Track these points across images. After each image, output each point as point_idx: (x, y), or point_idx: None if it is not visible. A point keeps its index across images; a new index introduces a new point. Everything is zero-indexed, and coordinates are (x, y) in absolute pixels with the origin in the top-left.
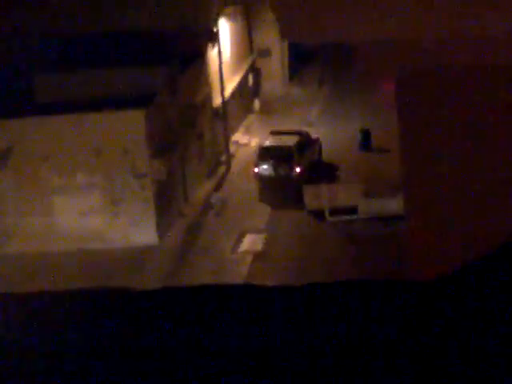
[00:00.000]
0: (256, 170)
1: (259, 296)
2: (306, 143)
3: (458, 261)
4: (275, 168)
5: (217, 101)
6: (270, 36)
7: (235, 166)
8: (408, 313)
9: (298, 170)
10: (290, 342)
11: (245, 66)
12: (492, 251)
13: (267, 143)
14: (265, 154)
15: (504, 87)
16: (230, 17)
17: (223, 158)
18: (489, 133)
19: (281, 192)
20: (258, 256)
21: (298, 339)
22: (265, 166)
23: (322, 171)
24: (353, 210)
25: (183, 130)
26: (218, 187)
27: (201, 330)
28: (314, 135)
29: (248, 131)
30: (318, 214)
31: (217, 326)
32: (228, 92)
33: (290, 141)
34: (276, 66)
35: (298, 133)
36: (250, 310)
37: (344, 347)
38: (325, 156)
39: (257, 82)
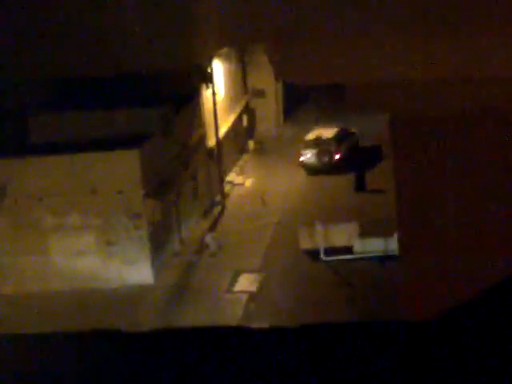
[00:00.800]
0: (301, 158)
1: (252, 339)
2: (344, 135)
3: (456, 300)
4: (317, 156)
5: (211, 141)
6: (264, 76)
7: (230, 205)
8: (403, 354)
9: (337, 157)
10: None
11: (239, 107)
12: (491, 290)
13: (310, 136)
14: (308, 144)
15: (499, 128)
16: (224, 57)
17: (218, 198)
18: (484, 173)
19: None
20: (253, 296)
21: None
22: (309, 155)
23: (360, 155)
24: (348, 250)
25: (177, 170)
26: (212, 227)
27: (193, 373)
28: (352, 129)
29: (242, 171)
30: (313, 254)
31: (209, 370)
32: (222, 132)
33: (330, 133)
34: (270, 105)
35: (338, 127)
36: (243, 353)
37: None
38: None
39: (251, 122)
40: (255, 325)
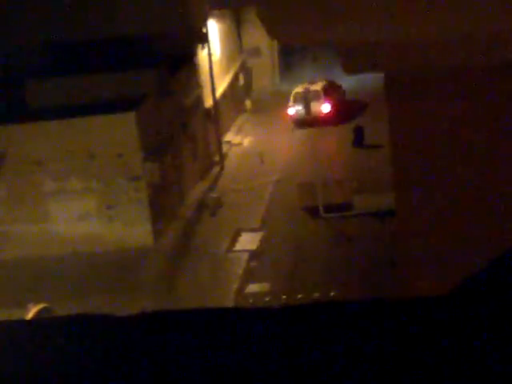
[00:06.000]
0: (290, 112)
1: (245, 320)
2: (332, 87)
3: (449, 261)
4: (307, 108)
5: (208, 101)
6: (259, 35)
7: (229, 165)
8: (398, 334)
9: (327, 108)
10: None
11: (235, 66)
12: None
13: (299, 89)
14: (298, 97)
15: (493, 87)
16: (218, 17)
17: (216, 158)
18: (482, 134)
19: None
20: (254, 255)
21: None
22: (298, 108)
23: (349, 108)
24: (348, 207)
25: (175, 131)
26: (212, 187)
27: (184, 356)
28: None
29: (240, 131)
30: (313, 211)
31: (201, 352)
32: (219, 92)
33: (318, 85)
34: (266, 64)
35: (325, 80)
36: (235, 335)
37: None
38: (321, 153)
39: (248, 81)
40: (255, 287)
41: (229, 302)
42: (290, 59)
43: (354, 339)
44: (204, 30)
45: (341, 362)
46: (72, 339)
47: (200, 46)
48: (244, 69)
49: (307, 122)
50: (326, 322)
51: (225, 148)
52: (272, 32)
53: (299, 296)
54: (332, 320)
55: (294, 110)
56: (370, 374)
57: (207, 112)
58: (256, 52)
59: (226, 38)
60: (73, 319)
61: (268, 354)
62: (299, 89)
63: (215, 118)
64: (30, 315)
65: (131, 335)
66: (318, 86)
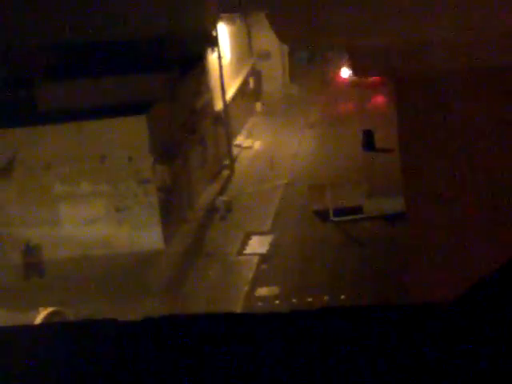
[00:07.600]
0: (343, 75)
1: (250, 325)
2: None
3: (458, 268)
4: None
5: (218, 105)
6: (269, 38)
7: (239, 169)
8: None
9: None
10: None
11: (245, 69)
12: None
13: None
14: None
15: (504, 90)
16: (228, 20)
17: (226, 161)
18: (489, 136)
19: None
20: (264, 257)
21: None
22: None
23: None
24: (357, 210)
25: (185, 134)
26: (222, 191)
27: (188, 363)
28: None
29: (250, 134)
30: (323, 214)
31: (206, 358)
32: (229, 95)
33: None
34: (276, 67)
35: None
36: (240, 340)
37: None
38: (331, 156)
39: (258, 85)
40: (265, 290)
41: (239, 306)
42: (300, 62)
43: (360, 344)
44: (214, 33)
45: (348, 368)
46: (78, 344)
47: (210, 49)
48: (254, 72)
49: (359, 84)
50: (331, 327)
51: (235, 151)
52: (282, 36)
53: (309, 299)
54: (339, 325)
55: (347, 73)
56: (377, 380)
57: (217, 115)
58: (266, 55)
59: (236, 41)
60: (78, 324)
61: (274, 358)
62: None
63: (225, 121)
64: (40, 318)
65: (137, 340)
66: None
